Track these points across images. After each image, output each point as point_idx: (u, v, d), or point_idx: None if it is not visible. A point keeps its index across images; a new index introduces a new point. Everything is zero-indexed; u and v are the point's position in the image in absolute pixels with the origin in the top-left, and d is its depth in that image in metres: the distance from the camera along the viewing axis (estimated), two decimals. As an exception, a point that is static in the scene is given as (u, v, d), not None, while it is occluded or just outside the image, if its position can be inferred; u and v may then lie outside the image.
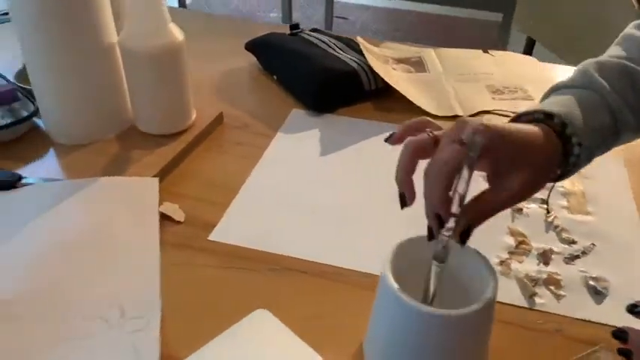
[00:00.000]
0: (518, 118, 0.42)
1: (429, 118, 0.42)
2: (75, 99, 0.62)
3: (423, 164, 0.38)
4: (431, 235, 0.39)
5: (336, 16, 2.99)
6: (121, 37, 0.60)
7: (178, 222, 0.56)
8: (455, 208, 0.36)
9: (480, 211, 0.38)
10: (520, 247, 0.53)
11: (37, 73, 0.61)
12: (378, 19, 3.20)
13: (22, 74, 0.74)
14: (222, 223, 0.55)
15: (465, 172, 0.36)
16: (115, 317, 0.45)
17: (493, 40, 2.55)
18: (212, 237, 0.54)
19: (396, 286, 0.37)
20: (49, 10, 0.56)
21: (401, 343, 0.39)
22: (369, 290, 0.42)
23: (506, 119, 0.43)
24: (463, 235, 0.38)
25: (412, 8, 3.29)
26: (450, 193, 0.37)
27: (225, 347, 0.42)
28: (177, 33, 0.61)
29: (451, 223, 0.37)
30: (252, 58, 0.86)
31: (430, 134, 0.39)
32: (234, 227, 0.55)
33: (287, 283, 0.50)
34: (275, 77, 0.80)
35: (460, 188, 0.36)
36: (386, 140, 0.42)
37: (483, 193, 0.39)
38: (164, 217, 0.56)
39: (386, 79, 0.74)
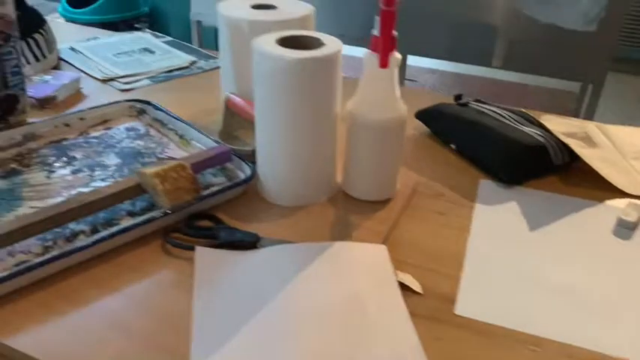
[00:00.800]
0: None
1: None
2: (300, 163, 0.64)
3: None
4: None
5: (406, 79, 3.06)
6: (352, 106, 0.63)
7: (415, 292, 0.56)
8: None
9: None
10: None
11: (266, 139, 0.64)
12: (445, 83, 3.26)
13: (223, 134, 0.78)
14: (462, 296, 0.55)
15: None
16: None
17: (569, 109, 2.56)
18: (459, 311, 0.54)
19: None
20: (291, 83, 0.59)
21: None
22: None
23: None
24: None
25: (477, 73, 3.35)
26: None
27: None
28: (403, 106, 0.63)
29: None
30: (419, 125, 0.88)
31: None
32: (477, 301, 0.55)
33: (550, 365, 0.49)
34: (453, 147, 0.82)
35: None
36: None
37: None
38: (400, 286, 0.56)
39: (579, 153, 0.75)
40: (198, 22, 2.52)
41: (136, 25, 2.61)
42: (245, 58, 0.77)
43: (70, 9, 2.55)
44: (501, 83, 3.26)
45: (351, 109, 0.63)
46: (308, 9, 0.78)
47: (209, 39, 2.76)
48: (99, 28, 1.47)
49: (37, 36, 0.99)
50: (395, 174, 0.67)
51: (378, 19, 0.58)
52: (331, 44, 0.61)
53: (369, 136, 0.62)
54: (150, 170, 0.59)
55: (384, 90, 0.61)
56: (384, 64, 0.56)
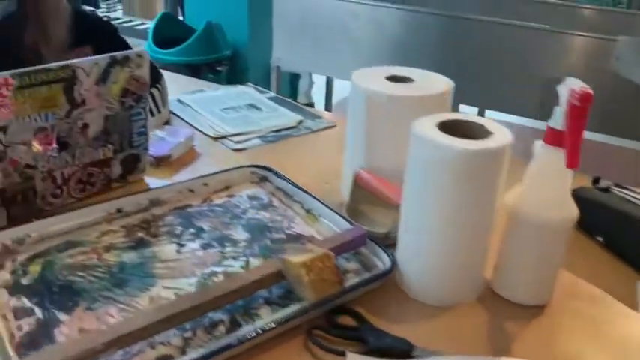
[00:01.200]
0: None
1: None
2: (452, 259, 0.58)
3: None
4: None
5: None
6: (516, 200, 0.57)
7: None
8: None
9: None
10: None
11: (413, 229, 0.59)
12: (519, 138, 3.15)
13: (349, 209, 0.73)
14: None
15: None
16: None
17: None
18: None
19: None
20: (456, 174, 0.54)
21: None
22: None
23: None
24: None
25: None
26: None
27: None
28: (574, 205, 0.57)
29: None
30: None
31: None
32: None
33: None
34: (600, 239, 0.74)
35: None
36: None
37: None
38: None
39: None
40: (278, 68, 2.54)
41: (218, 68, 2.66)
42: (379, 132, 0.73)
43: (157, 49, 2.63)
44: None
45: (515, 204, 0.57)
46: (447, 84, 0.74)
47: (284, 83, 2.79)
48: (182, 69, 1.49)
49: (153, 91, 0.99)
50: (555, 277, 0.60)
51: (559, 110, 0.53)
52: (499, 133, 0.56)
53: (535, 235, 0.56)
54: (296, 259, 0.55)
55: (557, 187, 0.55)
56: (573, 164, 0.50)
